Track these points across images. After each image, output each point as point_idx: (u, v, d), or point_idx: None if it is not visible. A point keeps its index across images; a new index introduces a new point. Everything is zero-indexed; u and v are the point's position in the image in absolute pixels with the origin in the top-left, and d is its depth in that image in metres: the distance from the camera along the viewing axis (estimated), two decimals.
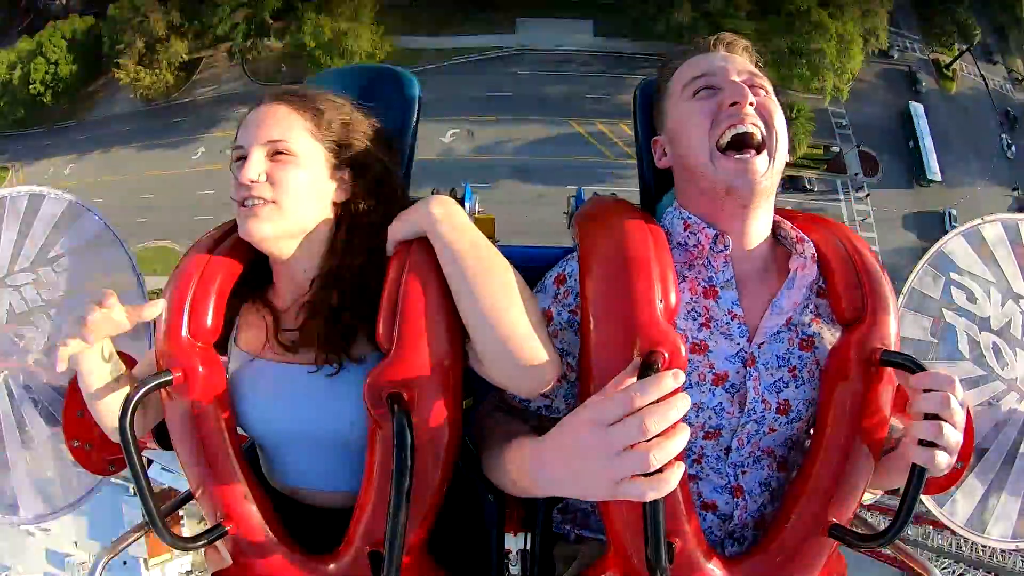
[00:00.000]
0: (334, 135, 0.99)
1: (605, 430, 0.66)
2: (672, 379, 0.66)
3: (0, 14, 24.19)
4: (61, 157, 21.89)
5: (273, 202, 0.94)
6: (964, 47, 22.23)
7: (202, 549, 0.96)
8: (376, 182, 1.02)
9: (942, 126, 21.00)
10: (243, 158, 0.95)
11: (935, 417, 0.77)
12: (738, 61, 0.97)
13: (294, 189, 0.95)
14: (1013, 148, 21.94)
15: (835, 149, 20.29)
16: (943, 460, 0.77)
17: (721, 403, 0.93)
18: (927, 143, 19.52)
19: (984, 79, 22.19)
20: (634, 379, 0.68)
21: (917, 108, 19.99)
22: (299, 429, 0.98)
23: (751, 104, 0.91)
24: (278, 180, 0.94)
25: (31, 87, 20.71)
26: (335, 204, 1.02)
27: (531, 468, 0.79)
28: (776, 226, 1.00)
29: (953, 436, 0.77)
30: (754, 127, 0.90)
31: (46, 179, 21.01)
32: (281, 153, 0.95)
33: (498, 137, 18.12)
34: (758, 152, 0.90)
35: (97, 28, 21.30)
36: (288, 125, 0.96)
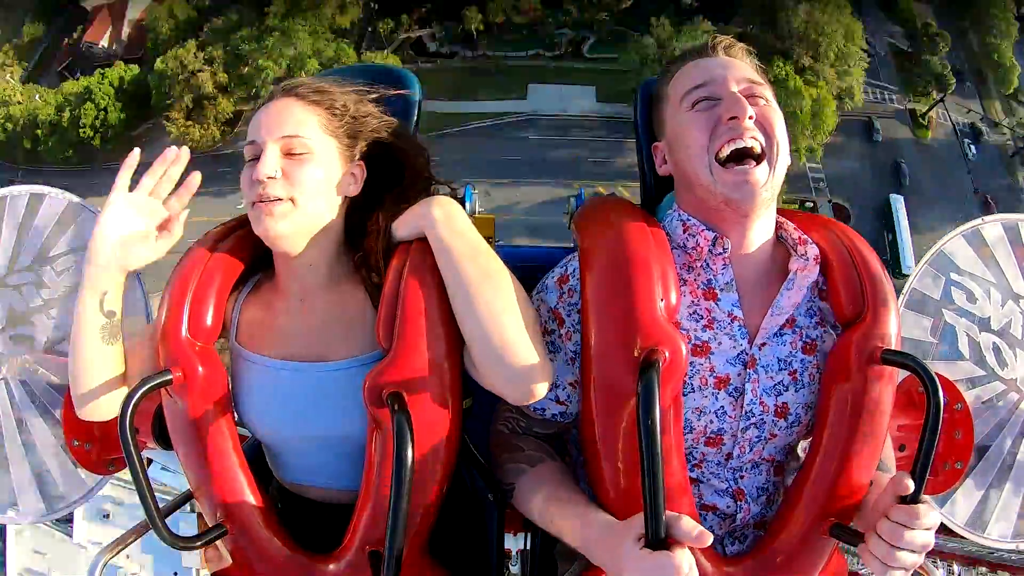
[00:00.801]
0: (346, 128, 0.99)
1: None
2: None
3: (42, 52, 25.73)
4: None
5: (290, 200, 0.93)
6: (939, 97, 22.52)
7: (202, 549, 0.96)
8: (389, 172, 1.02)
9: (915, 174, 21.67)
10: (256, 157, 0.94)
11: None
12: (737, 68, 0.95)
13: (310, 186, 0.93)
14: (974, 149, 22.23)
15: (809, 205, 20.33)
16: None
17: (723, 407, 0.92)
18: (904, 238, 19.40)
19: (955, 127, 22.70)
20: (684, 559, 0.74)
21: (897, 201, 20.00)
22: (303, 428, 0.98)
23: (750, 117, 0.89)
24: (294, 177, 0.93)
25: (81, 130, 21.86)
26: (347, 198, 1.01)
27: (577, 545, 0.88)
28: (778, 227, 1.00)
29: (907, 559, 0.79)
30: (753, 140, 0.89)
31: None
32: (296, 150, 0.94)
33: (511, 197, 19.80)
34: (758, 162, 0.89)
35: (143, 77, 22.60)
36: (302, 120, 0.95)
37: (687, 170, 0.94)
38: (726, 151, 0.89)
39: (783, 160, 0.92)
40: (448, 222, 0.92)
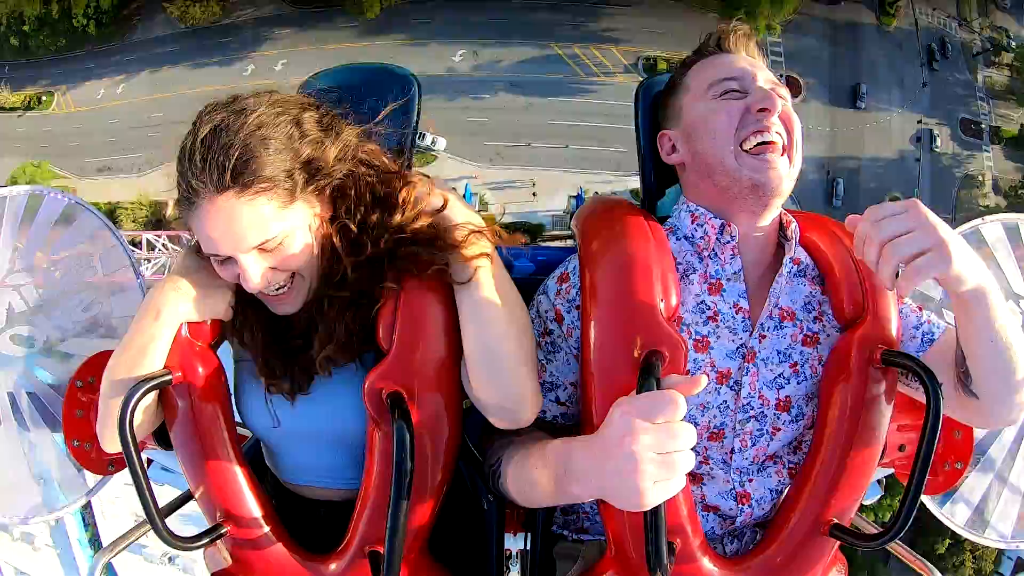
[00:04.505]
0: (302, 182, 0.85)
1: (640, 435, 0.67)
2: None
3: None
4: (109, 79, 23.38)
5: (291, 277, 0.89)
6: None
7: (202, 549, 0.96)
8: (362, 195, 0.92)
9: (872, 58, 22.67)
10: (229, 259, 0.86)
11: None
12: (761, 67, 0.97)
13: (306, 259, 0.88)
14: (927, 86, 22.70)
15: None
16: (905, 277, 0.74)
17: (725, 401, 0.93)
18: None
19: (915, 18, 23.15)
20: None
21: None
22: (301, 428, 0.98)
23: (777, 113, 0.91)
24: (286, 264, 0.87)
25: (74, 20, 22.17)
26: (327, 233, 0.90)
27: (560, 473, 0.79)
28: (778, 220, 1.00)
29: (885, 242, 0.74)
30: (778, 136, 0.91)
31: (98, 99, 22.71)
32: (271, 246, 0.85)
33: (495, 57, 22.33)
34: (780, 155, 0.91)
35: None
36: (260, 221, 0.81)
37: (709, 156, 0.94)
38: (752, 141, 0.90)
39: (799, 160, 0.93)
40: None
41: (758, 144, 0.90)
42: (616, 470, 0.68)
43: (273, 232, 0.83)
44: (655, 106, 1.10)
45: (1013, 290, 1.29)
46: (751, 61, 0.98)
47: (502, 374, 0.87)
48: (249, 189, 0.80)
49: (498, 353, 0.87)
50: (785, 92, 0.95)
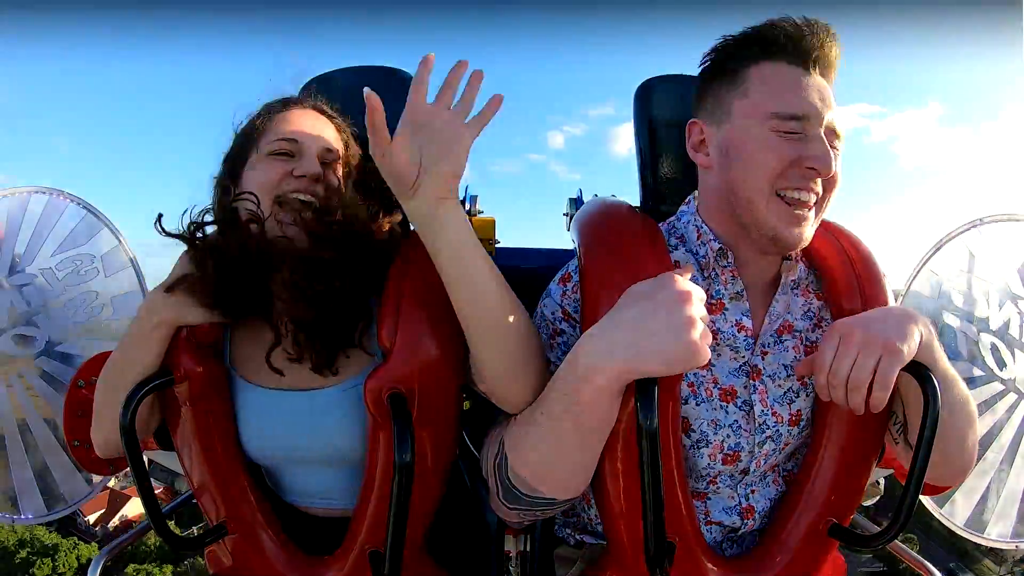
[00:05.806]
0: (353, 144, 1.04)
1: (687, 305, 0.74)
2: None
3: None
4: None
5: (326, 204, 0.93)
6: None
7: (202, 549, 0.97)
8: (373, 199, 0.98)
9: None
10: (287, 152, 0.95)
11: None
12: (831, 105, 0.87)
13: (337, 194, 0.95)
14: None
15: None
16: (843, 395, 0.79)
17: (737, 421, 0.91)
18: None
19: None
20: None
21: None
22: (296, 453, 0.97)
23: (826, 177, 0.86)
24: (331, 183, 0.96)
25: None
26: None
27: (595, 347, 0.77)
28: None
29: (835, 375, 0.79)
30: (813, 195, 0.86)
31: None
32: (328, 160, 0.98)
33: None
34: (809, 209, 0.87)
35: None
36: (338, 138, 1.02)
37: (741, 189, 0.88)
38: (787, 194, 0.85)
39: (824, 213, 0.90)
40: (454, 227, 0.85)
41: (791, 197, 0.86)
42: (670, 329, 0.73)
43: (340, 153, 1.00)
44: (650, 107, 1.10)
45: (1011, 291, 1.30)
46: (823, 95, 0.86)
47: (509, 360, 0.85)
48: (331, 120, 1.03)
49: (502, 335, 0.84)
50: (840, 144, 0.88)
